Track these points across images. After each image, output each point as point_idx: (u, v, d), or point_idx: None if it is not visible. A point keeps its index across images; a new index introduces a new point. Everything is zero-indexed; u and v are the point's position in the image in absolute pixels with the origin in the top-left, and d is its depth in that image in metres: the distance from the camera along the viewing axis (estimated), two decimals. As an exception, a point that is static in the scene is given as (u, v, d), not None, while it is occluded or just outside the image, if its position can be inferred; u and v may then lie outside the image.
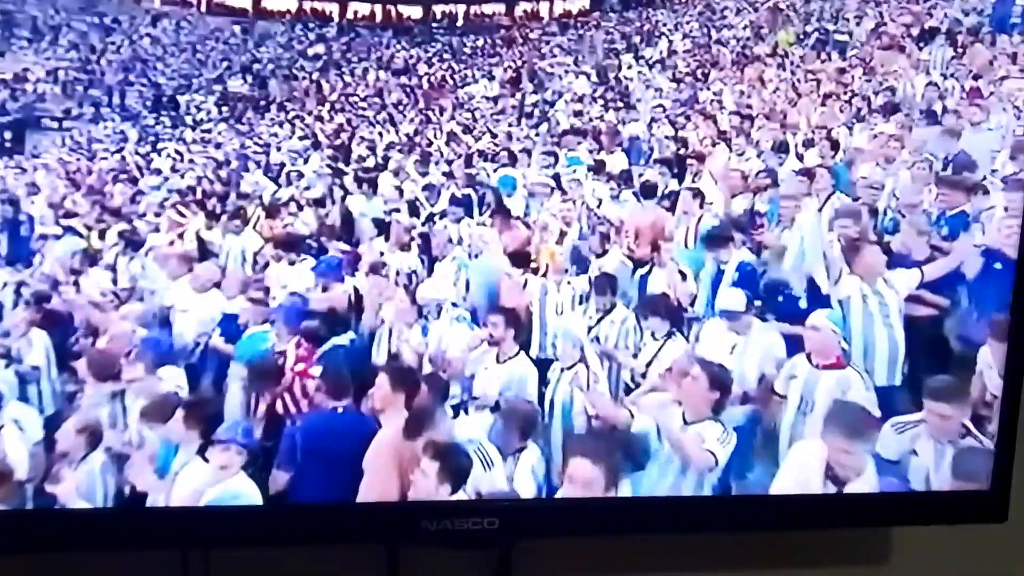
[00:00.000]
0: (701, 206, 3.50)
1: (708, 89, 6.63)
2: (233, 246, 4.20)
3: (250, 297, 3.20)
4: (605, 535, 2.25)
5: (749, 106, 5.56)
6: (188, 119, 9.39)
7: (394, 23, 12.08)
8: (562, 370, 2.58)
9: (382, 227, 4.12)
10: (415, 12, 12.41)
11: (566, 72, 9.14)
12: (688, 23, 10.24)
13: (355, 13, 12.40)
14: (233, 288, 3.52)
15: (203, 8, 11.68)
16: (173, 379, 2.79)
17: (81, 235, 4.88)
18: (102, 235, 5.09)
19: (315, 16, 12.26)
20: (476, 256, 3.45)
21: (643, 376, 2.70)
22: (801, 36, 7.94)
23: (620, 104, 6.80)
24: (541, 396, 2.66)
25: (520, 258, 3.31)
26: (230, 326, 3.22)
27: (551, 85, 8.73)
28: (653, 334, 2.79)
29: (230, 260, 4.19)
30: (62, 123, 7.47)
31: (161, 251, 4.12)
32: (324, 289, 3.46)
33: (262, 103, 10.56)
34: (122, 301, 3.47)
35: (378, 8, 12.13)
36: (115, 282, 3.97)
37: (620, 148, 4.88)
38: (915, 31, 6.76)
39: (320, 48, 11.58)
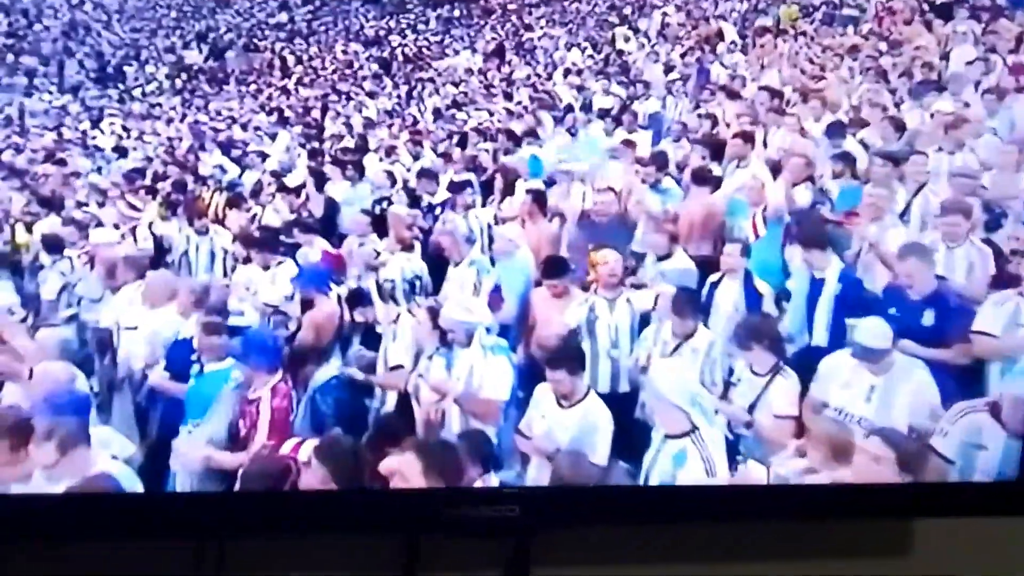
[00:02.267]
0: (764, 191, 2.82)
1: (719, 62, 5.98)
2: (197, 246, 3.37)
3: (206, 323, 2.32)
4: (624, 524, 2.08)
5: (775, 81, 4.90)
6: (136, 92, 8.38)
7: (363, -9, 10.93)
8: (666, 438, 1.82)
9: (375, 220, 3.34)
10: (386, -21, 11.17)
11: (556, 45, 8.38)
12: (682, -5, 9.51)
13: (323, -22, 11.12)
14: (188, 301, 2.68)
15: (155, -29, 10.38)
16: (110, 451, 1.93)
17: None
18: (29, 228, 4.20)
19: (279, -18, 10.99)
20: (500, 259, 2.69)
21: (747, 426, 2.00)
22: (810, 10, 7.34)
23: (623, 78, 6.10)
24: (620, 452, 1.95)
25: (555, 266, 2.54)
26: (180, 356, 2.39)
27: (541, 57, 7.96)
28: (752, 368, 2.06)
29: (195, 265, 3.36)
30: (-11, 95, 6.48)
31: (106, 251, 3.25)
32: (306, 305, 2.67)
33: (220, 75, 9.53)
34: (38, 322, 2.60)
35: (348, -27, 10.93)
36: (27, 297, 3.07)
37: (642, 127, 4.18)
38: (925, 6, 6.23)
39: (283, 17, 10.59)
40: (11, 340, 2.34)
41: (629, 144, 3.81)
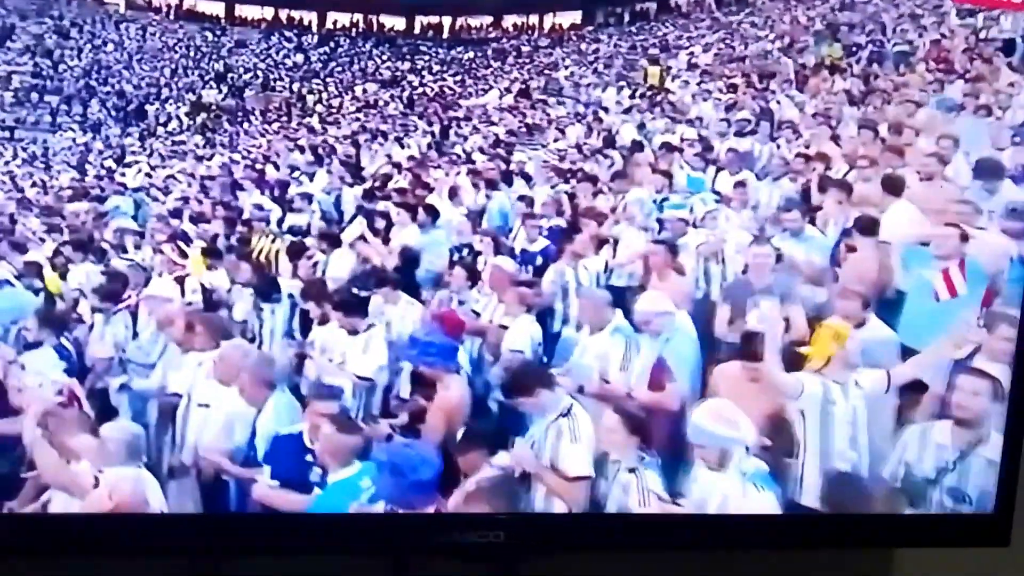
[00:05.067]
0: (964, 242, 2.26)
1: (776, 101, 5.53)
2: (273, 311, 2.75)
3: (334, 419, 1.66)
4: (611, 550, 2.14)
5: (870, 120, 4.41)
6: (159, 130, 7.87)
7: (376, 33, 10.62)
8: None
9: (470, 271, 2.76)
10: (398, 23, 10.93)
11: (588, 84, 7.93)
12: (703, 36, 9.18)
13: (335, 23, 10.87)
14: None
15: (171, 15, 10.03)
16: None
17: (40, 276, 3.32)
18: (63, 275, 3.54)
19: (292, 25, 10.70)
20: (647, 330, 2.07)
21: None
22: (854, 49, 6.93)
23: (676, 115, 5.65)
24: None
25: (751, 341, 1.91)
26: (289, 457, 1.73)
27: (579, 96, 7.50)
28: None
29: (267, 331, 2.72)
30: (13, 132, 5.95)
31: (163, 307, 2.61)
32: (425, 383, 2.02)
33: (239, 113, 8.97)
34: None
35: (359, 17, 10.65)
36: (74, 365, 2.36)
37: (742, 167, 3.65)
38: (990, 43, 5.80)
39: (299, 58, 10.07)
40: (64, 435, 1.71)
41: (742, 186, 3.28)
